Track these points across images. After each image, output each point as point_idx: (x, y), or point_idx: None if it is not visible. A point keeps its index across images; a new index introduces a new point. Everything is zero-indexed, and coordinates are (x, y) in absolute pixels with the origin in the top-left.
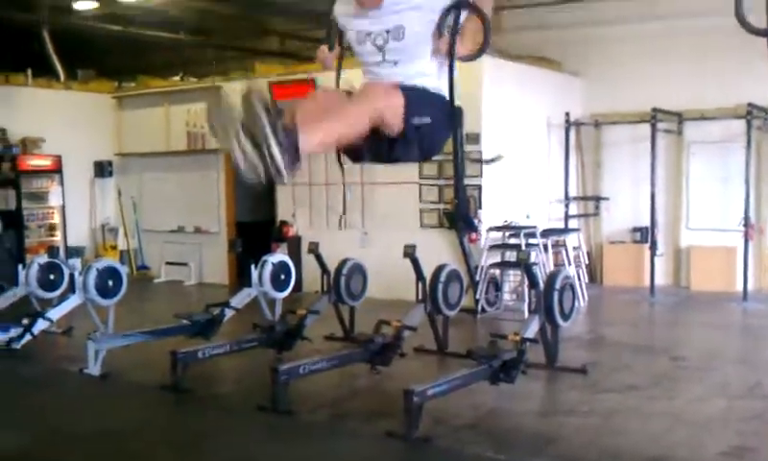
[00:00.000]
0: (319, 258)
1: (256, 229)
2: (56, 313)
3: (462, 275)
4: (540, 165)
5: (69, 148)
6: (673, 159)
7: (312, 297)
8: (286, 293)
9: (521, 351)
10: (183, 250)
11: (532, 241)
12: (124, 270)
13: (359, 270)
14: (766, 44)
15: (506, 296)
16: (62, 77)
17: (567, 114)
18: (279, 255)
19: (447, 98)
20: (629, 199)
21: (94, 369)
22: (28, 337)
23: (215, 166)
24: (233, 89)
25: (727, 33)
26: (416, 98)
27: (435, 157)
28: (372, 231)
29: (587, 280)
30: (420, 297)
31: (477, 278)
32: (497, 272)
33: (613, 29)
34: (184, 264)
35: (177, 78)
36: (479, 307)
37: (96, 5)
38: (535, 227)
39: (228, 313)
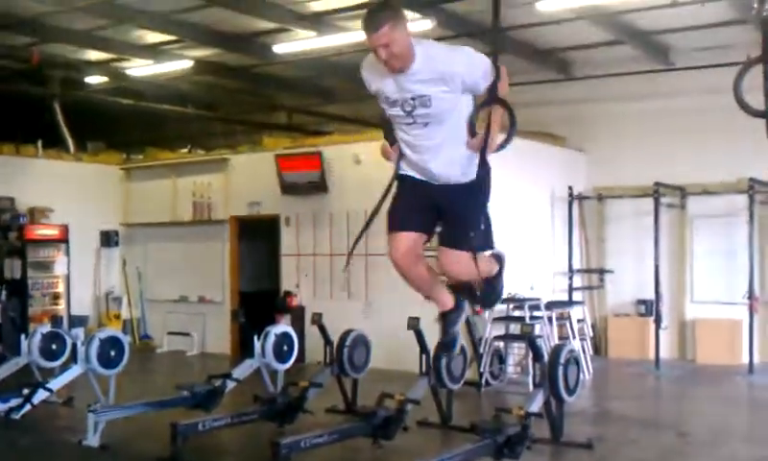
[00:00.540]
0: (322, 329)
1: (260, 298)
2: (57, 383)
3: (466, 347)
4: (544, 238)
5: (76, 218)
6: (676, 233)
7: (315, 367)
8: (289, 364)
9: (526, 426)
10: (186, 319)
11: (536, 314)
12: (126, 340)
13: (362, 341)
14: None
15: (510, 369)
16: (72, 148)
17: (571, 188)
18: (282, 326)
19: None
20: (633, 271)
21: (93, 440)
22: (27, 407)
23: (220, 236)
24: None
25: (728, 109)
26: (467, 220)
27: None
28: (376, 302)
29: (591, 353)
30: (423, 369)
31: (481, 350)
32: (501, 344)
33: (617, 105)
34: (187, 334)
35: (185, 150)
36: (483, 380)
37: (107, 79)
38: (539, 299)
39: (230, 384)
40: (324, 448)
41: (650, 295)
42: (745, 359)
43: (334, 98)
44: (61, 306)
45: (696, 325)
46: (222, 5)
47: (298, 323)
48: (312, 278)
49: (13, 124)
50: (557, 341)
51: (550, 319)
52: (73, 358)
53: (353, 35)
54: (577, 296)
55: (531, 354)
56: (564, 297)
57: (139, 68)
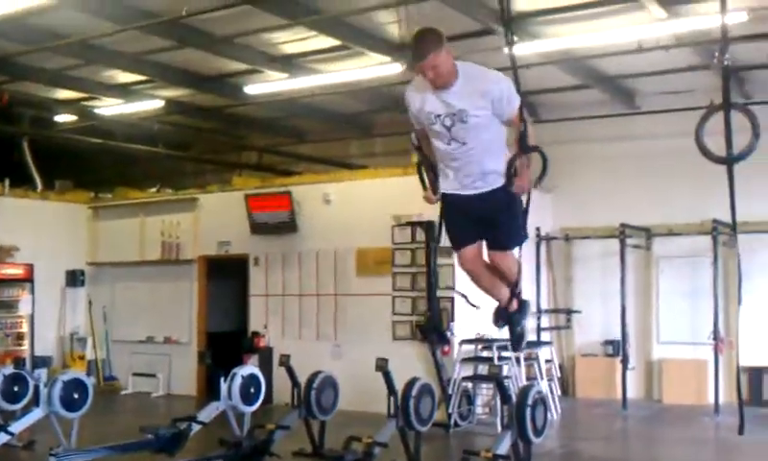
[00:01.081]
0: (290, 371)
1: (228, 339)
2: (18, 426)
3: (434, 388)
4: None
5: (42, 257)
6: (642, 274)
7: (283, 409)
8: (255, 406)
9: None
10: (152, 360)
11: (504, 354)
12: (90, 382)
13: (330, 383)
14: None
15: (479, 410)
16: (40, 187)
17: (538, 229)
18: (249, 368)
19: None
20: (600, 312)
21: None
22: None
23: (188, 276)
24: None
25: (693, 152)
26: (504, 223)
27: (407, 269)
28: (345, 343)
29: (559, 393)
30: (391, 411)
31: (450, 391)
32: (470, 385)
33: (584, 147)
34: (153, 375)
35: (154, 189)
36: (452, 422)
37: (76, 118)
38: (507, 339)
39: (195, 427)
40: None
41: (617, 335)
42: (711, 399)
43: (305, 138)
44: (25, 347)
45: (662, 365)
46: (194, 46)
47: (265, 364)
48: (281, 318)
49: None
50: (525, 381)
51: (518, 359)
52: (35, 401)
53: (324, 77)
54: (545, 336)
55: (499, 395)
56: (532, 337)
57: (110, 108)
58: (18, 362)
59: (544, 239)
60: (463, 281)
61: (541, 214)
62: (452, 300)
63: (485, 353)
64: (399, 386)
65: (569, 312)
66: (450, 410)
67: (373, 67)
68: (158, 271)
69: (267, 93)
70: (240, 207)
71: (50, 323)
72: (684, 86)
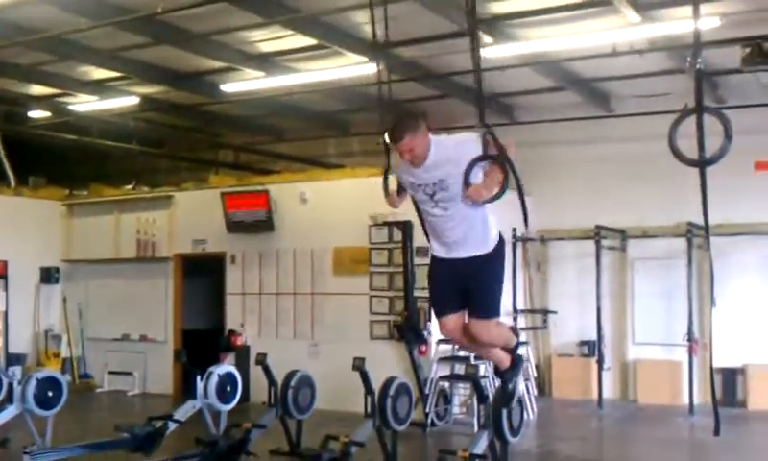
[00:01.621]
0: (266, 370)
1: (204, 337)
2: None
3: (411, 387)
4: None
5: (15, 253)
6: (617, 275)
7: (260, 408)
8: (232, 405)
9: None
10: (128, 358)
11: None
12: (65, 380)
13: (307, 382)
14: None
15: (455, 409)
16: (13, 183)
17: (514, 230)
18: (226, 366)
19: (492, 236)
20: (576, 313)
21: None
22: None
23: (164, 274)
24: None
25: (667, 155)
26: (486, 290)
27: (384, 269)
28: (322, 343)
29: (535, 393)
30: (368, 410)
31: (427, 390)
32: (447, 384)
33: (559, 149)
34: (128, 373)
35: (129, 187)
36: (429, 421)
37: (50, 114)
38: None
39: (171, 426)
40: None
41: (593, 336)
42: (685, 400)
43: (282, 137)
44: None
45: (637, 365)
46: (169, 43)
47: (242, 362)
48: (258, 316)
49: None
50: None
51: None
52: (9, 398)
53: (301, 76)
54: (521, 336)
55: (476, 395)
56: None
57: (84, 104)
58: None
59: (521, 240)
60: None
61: (517, 215)
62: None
63: (462, 353)
64: (377, 385)
65: (545, 313)
66: (427, 409)
67: (351, 67)
68: (134, 269)
69: (244, 91)
70: (216, 206)
71: (24, 320)
72: (657, 90)
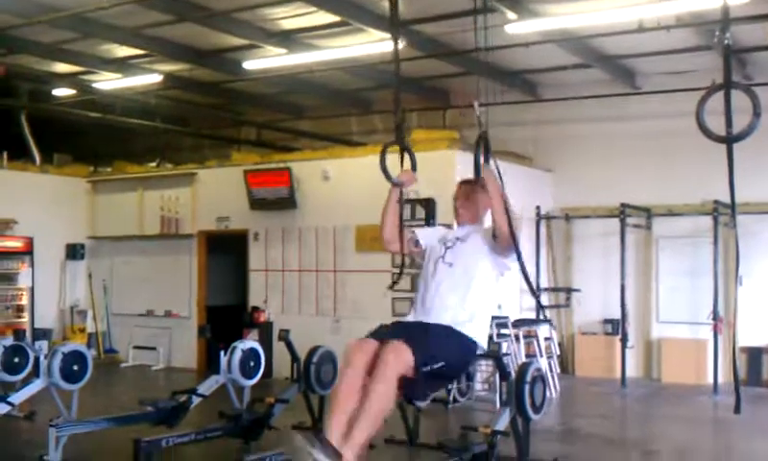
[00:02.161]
0: (289, 346)
1: (228, 313)
2: (18, 397)
3: None
4: None
5: (41, 230)
6: (642, 253)
7: (283, 383)
8: (255, 380)
9: (492, 444)
10: (152, 334)
11: (504, 331)
12: (90, 354)
13: (329, 358)
14: (725, 150)
15: (478, 386)
16: (38, 161)
17: (538, 208)
18: (249, 342)
19: (470, 336)
20: (600, 291)
21: (55, 455)
22: None
23: (187, 250)
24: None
25: (693, 133)
26: (431, 346)
27: None
28: (344, 319)
29: (558, 371)
30: None
31: None
32: None
33: (584, 127)
34: (153, 348)
35: (153, 164)
36: (451, 397)
37: (74, 92)
38: (507, 317)
39: (195, 400)
40: None
41: (616, 314)
42: (710, 379)
43: (304, 114)
44: (25, 319)
45: (662, 344)
46: (192, 21)
47: (265, 338)
48: (281, 293)
49: None
50: (524, 359)
51: (517, 337)
52: (35, 372)
53: (323, 53)
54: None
55: (498, 372)
56: (532, 315)
57: (108, 82)
58: (18, 334)
59: (544, 218)
60: None
61: (542, 193)
62: None
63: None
64: None
65: (569, 291)
66: (450, 387)
67: (373, 44)
68: (158, 245)
69: (266, 69)
70: (239, 183)
71: (50, 295)
72: (684, 67)
